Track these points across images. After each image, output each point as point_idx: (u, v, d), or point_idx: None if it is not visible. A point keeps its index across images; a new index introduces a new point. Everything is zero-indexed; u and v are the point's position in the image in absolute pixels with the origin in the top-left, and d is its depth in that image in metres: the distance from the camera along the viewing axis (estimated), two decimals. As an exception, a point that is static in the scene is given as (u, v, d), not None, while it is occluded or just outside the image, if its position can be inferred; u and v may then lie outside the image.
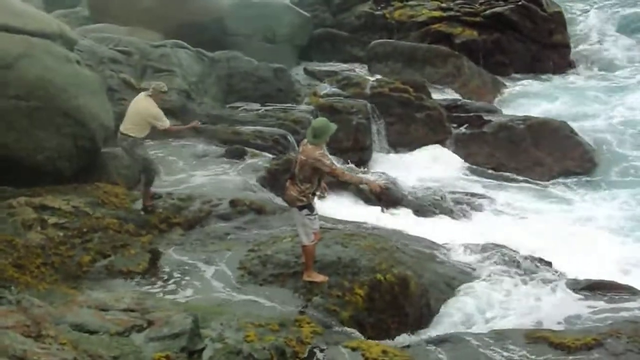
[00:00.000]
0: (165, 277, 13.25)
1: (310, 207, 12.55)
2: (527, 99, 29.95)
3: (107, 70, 21.65)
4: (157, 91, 14.81)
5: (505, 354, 11.06)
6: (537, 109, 28.38)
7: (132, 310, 10.68)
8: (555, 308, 13.24)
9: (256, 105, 23.82)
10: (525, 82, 31.96)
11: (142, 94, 15.11)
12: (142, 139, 14.79)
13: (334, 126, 12.62)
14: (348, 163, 21.80)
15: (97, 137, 16.49)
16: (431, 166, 23.65)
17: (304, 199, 12.46)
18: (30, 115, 15.28)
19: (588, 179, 23.26)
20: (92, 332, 9.73)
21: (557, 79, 32.46)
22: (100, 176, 16.63)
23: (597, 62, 34.02)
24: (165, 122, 14.73)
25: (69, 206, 14.49)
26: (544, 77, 32.61)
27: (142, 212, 15.12)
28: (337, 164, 13.43)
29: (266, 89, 24.67)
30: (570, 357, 10.73)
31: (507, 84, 31.67)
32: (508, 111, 27.61)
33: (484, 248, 15.62)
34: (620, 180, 23.04)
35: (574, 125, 25.15)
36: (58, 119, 15.61)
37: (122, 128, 14.87)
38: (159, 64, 23.35)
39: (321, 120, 12.76)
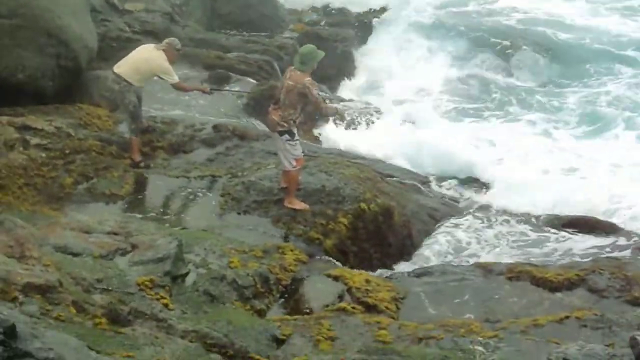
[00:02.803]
0: (149, 201, 13.20)
1: (290, 133, 12.52)
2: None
3: (91, -10, 21.29)
4: (171, 47, 14.34)
5: (487, 288, 11.13)
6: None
7: (116, 234, 10.67)
8: (536, 244, 13.35)
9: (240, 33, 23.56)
10: None
11: (153, 45, 14.67)
12: (138, 87, 14.40)
13: (321, 53, 12.55)
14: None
15: (80, 58, 16.23)
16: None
17: (285, 124, 12.43)
18: (13, 34, 15.01)
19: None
20: (75, 255, 9.72)
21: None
22: (82, 97, 16.40)
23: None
24: (175, 78, 14.35)
25: (51, 127, 14.29)
26: None
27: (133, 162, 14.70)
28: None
29: (251, 15, 24.33)
30: (553, 295, 10.83)
31: None
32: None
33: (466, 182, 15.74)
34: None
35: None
36: (41, 38, 15.34)
37: (119, 70, 14.24)
38: (143, -15, 22.95)
39: (309, 47, 12.69)
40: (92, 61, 16.97)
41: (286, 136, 12.49)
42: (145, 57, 14.27)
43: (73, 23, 16.18)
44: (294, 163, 12.65)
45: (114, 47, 18.63)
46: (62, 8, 16.02)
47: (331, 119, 13.32)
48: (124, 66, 14.23)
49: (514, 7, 28.09)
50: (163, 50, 14.20)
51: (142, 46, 14.84)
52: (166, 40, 14.57)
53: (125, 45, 18.09)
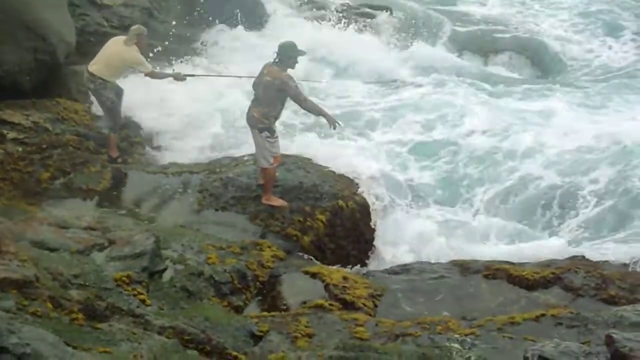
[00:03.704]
0: (126, 196, 13.16)
1: (270, 130, 12.53)
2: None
3: (69, -16, 21.14)
4: (137, 35, 14.28)
5: (464, 286, 11.18)
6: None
7: (93, 229, 10.65)
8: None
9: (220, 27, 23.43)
10: None
11: (121, 38, 14.58)
12: (113, 82, 14.40)
13: (302, 51, 12.55)
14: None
15: (58, 52, 16.10)
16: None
17: (266, 121, 12.44)
18: (-13, 28, 14.93)
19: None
20: (52, 250, 9.67)
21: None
22: (60, 92, 16.30)
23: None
24: (148, 67, 14.30)
25: (28, 121, 14.22)
26: None
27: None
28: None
29: (231, 9, 24.22)
30: (529, 293, 10.91)
31: None
32: None
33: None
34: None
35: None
36: (18, 32, 15.20)
37: (92, 69, 14.28)
38: (121, -21, 22.80)
39: (288, 42, 12.67)
40: (70, 55, 16.84)
41: (266, 133, 12.49)
42: (117, 51, 14.28)
43: (51, 17, 16.05)
44: (271, 160, 12.65)
45: (92, 41, 18.50)
46: (40, 2, 15.89)
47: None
48: (97, 64, 14.22)
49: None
50: (131, 40, 14.25)
51: (112, 40, 14.80)
52: (134, 32, 14.49)
53: (103, 40, 17.84)
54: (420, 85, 19.67)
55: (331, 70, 20.74)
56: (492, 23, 26.53)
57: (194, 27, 22.53)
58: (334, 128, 12.87)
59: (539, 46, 24.69)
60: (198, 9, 22.40)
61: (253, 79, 12.90)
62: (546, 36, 25.35)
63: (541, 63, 24.16)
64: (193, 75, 15.07)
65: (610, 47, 24.78)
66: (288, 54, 12.43)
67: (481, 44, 25.10)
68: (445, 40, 24.92)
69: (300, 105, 12.64)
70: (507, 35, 25.25)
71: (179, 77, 14.78)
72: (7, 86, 14.94)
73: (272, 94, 12.36)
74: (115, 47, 14.34)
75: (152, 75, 14.47)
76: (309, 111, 12.83)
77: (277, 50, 12.55)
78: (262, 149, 12.64)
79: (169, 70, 14.87)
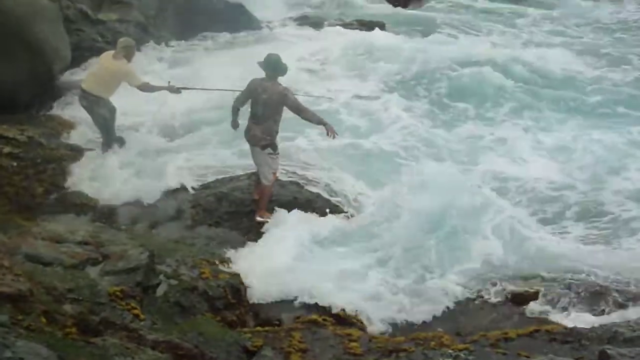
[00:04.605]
0: (121, 210, 13.16)
1: (273, 146, 12.56)
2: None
3: (64, 0, 21.12)
4: (126, 47, 14.36)
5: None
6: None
7: (87, 244, 10.62)
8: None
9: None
10: None
11: (110, 53, 14.57)
12: (105, 99, 14.40)
13: (286, 67, 12.65)
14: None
15: (53, 67, 16.23)
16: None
17: (269, 137, 12.44)
18: (-16, 44, 14.99)
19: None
20: (46, 264, 9.65)
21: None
22: (55, 107, 16.38)
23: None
24: (140, 80, 14.29)
25: (23, 136, 14.27)
26: None
27: None
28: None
29: (224, 24, 24.32)
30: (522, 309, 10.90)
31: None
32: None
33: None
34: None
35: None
36: (14, 47, 15.30)
37: (84, 85, 14.32)
38: (116, -5, 22.88)
39: (274, 55, 12.73)
40: (65, 71, 16.94)
41: (269, 149, 12.52)
42: (108, 67, 14.30)
43: (46, 32, 16.18)
44: (271, 177, 12.68)
45: (87, 56, 18.61)
46: (35, 17, 15.97)
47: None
48: (89, 81, 14.27)
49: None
50: (120, 53, 14.29)
51: (102, 56, 14.84)
52: (122, 45, 14.50)
53: (99, 55, 18.11)
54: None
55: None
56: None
57: (187, 40, 22.70)
58: (333, 137, 12.87)
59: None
60: (192, 22, 22.62)
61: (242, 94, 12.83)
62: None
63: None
64: (187, 88, 15.01)
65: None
66: (276, 66, 12.47)
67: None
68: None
69: (300, 114, 12.59)
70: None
71: (173, 90, 14.69)
72: (3, 101, 15.00)
73: (273, 109, 12.38)
74: (105, 62, 14.38)
75: (144, 88, 14.38)
76: (309, 120, 12.76)
77: (264, 64, 12.56)
78: (264, 166, 12.66)
79: (163, 83, 14.76)
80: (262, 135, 12.46)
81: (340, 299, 10.76)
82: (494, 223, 12.21)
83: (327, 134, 12.74)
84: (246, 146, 13.12)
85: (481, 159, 15.64)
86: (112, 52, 14.57)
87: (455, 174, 13.39)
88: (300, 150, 15.05)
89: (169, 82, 14.73)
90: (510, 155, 15.87)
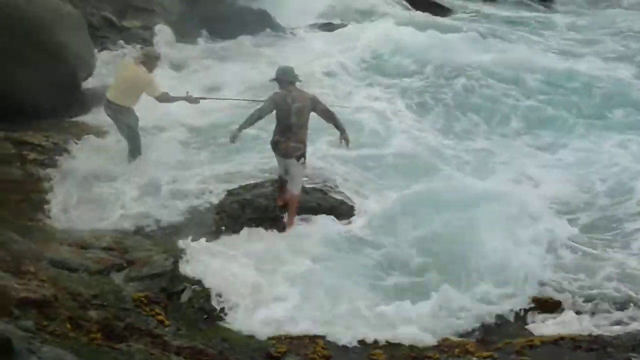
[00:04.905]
0: (145, 217, 13.17)
1: (305, 155, 12.51)
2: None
3: (89, 7, 21.25)
4: (148, 57, 14.27)
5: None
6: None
7: (112, 249, 10.67)
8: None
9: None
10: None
11: (131, 60, 14.55)
12: (129, 108, 14.30)
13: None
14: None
15: (77, 74, 16.32)
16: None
17: (302, 146, 12.39)
18: (11, 50, 15.03)
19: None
20: (71, 270, 9.72)
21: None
22: (79, 113, 16.45)
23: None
24: (159, 90, 14.17)
25: (48, 142, 14.36)
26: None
27: None
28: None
29: (248, 30, 24.41)
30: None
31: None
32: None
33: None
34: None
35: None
36: (39, 54, 15.36)
37: (108, 95, 14.26)
38: (140, 2, 22.99)
39: (288, 65, 12.86)
40: (89, 77, 17.02)
41: (303, 159, 12.50)
42: (127, 75, 14.24)
43: (71, 39, 16.25)
44: (301, 186, 12.72)
45: (112, 63, 18.72)
46: (60, 24, 16.07)
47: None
48: (112, 91, 14.20)
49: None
50: (142, 63, 14.17)
51: (123, 64, 14.85)
52: (143, 52, 14.52)
53: (122, 62, 18.24)
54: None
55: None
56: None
57: (211, 45, 22.75)
58: (348, 147, 12.88)
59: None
60: (215, 28, 22.72)
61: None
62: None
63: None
64: (205, 98, 14.97)
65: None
66: (293, 74, 12.48)
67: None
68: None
69: (330, 119, 12.54)
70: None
71: (191, 100, 14.65)
72: (28, 108, 15.05)
73: (305, 116, 12.31)
74: (126, 71, 14.34)
75: (162, 99, 14.32)
76: (337, 125, 12.69)
77: (281, 75, 12.49)
78: (299, 177, 12.64)
79: (181, 93, 14.79)
80: (297, 145, 12.32)
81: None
82: (526, 233, 12.06)
83: (342, 143, 12.72)
84: (270, 154, 13.09)
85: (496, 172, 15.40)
86: (133, 59, 14.55)
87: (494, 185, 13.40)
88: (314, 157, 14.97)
89: (187, 92, 14.68)
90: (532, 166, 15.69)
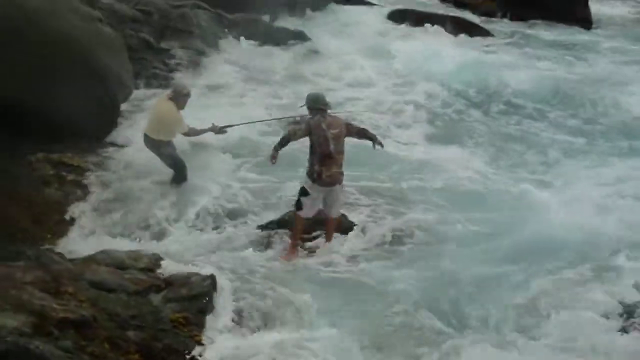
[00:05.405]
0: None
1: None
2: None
3: (127, 29, 21.42)
4: (177, 94, 14.23)
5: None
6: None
7: (151, 270, 10.67)
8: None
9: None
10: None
11: (164, 96, 14.56)
12: (167, 141, 14.27)
13: None
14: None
15: (117, 96, 16.41)
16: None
17: (342, 171, 12.36)
18: (52, 72, 15.15)
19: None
20: (110, 291, 9.72)
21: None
22: (118, 134, 16.52)
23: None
24: (185, 127, 14.17)
25: (87, 163, 14.47)
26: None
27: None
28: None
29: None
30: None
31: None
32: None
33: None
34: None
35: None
36: (79, 76, 15.42)
37: (145, 129, 14.32)
38: (178, 24, 23.16)
39: (319, 92, 13.03)
40: (128, 98, 17.14)
41: (344, 183, 12.56)
42: (158, 114, 14.27)
43: (111, 61, 16.35)
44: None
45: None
46: (100, 46, 16.17)
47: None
48: (149, 126, 14.20)
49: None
50: (170, 99, 14.17)
51: (158, 99, 14.91)
52: (172, 88, 14.59)
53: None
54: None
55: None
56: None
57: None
58: (382, 147, 12.91)
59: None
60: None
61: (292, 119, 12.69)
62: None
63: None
64: (230, 126, 14.93)
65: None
66: (324, 100, 12.39)
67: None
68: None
69: (364, 136, 12.61)
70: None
71: (217, 131, 14.69)
72: (68, 129, 15.15)
73: (342, 142, 12.20)
74: (160, 108, 14.28)
75: (189, 134, 14.39)
76: (371, 138, 12.69)
77: (312, 102, 12.36)
78: (342, 200, 12.75)
79: (205, 126, 14.69)
80: (340, 170, 12.24)
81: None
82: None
83: (375, 146, 12.69)
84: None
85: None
86: (166, 94, 14.52)
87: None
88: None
89: (213, 123, 14.68)
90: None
